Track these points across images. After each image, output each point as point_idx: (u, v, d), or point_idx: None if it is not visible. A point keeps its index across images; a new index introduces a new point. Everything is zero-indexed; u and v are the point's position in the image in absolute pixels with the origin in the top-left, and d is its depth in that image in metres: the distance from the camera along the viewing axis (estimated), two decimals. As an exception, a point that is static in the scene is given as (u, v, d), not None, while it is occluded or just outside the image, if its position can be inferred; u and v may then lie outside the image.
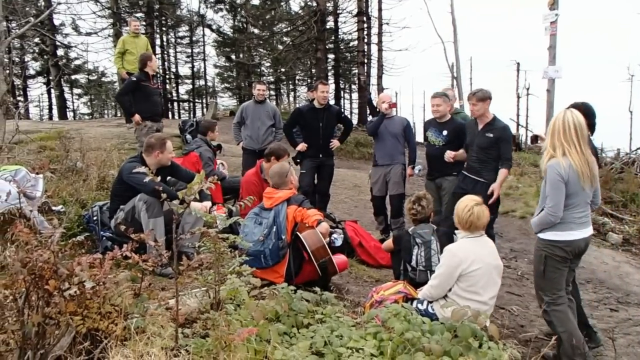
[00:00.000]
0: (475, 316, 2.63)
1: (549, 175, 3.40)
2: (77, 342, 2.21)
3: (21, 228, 2.22)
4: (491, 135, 4.97)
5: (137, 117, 6.87)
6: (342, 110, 12.18)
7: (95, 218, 4.64)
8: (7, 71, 6.98)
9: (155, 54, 9.62)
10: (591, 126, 3.87)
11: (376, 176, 6.35)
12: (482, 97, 5.00)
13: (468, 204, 3.44)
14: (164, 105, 19.73)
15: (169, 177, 4.78)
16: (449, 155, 5.43)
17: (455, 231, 3.61)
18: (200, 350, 2.28)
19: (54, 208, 4.74)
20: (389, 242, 4.54)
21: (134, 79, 6.91)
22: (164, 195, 2.57)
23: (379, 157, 6.34)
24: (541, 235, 3.57)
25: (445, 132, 5.62)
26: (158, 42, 26.84)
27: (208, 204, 4.54)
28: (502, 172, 4.98)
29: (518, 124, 25.66)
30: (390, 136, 6.19)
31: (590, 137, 3.88)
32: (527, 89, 28.35)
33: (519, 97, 28.83)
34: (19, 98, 22.79)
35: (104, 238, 4.47)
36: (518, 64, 29.09)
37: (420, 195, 4.30)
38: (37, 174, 4.53)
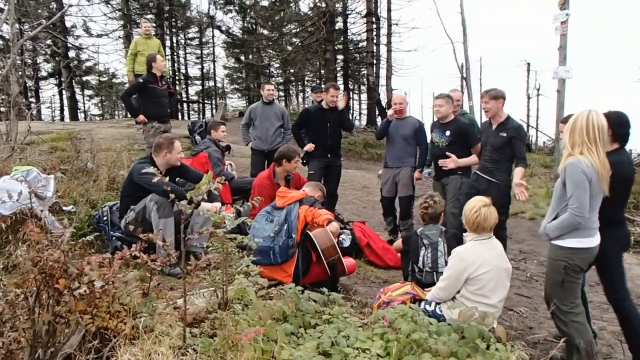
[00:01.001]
0: (482, 317, 2.62)
1: (571, 174, 3.20)
2: (87, 341, 2.23)
3: (32, 228, 2.25)
4: (505, 134, 4.93)
5: (141, 117, 6.92)
6: (349, 111, 12.15)
7: (105, 218, 4.69)
8: (20, 73, 7.07)
9: (165, 55, 9.64)
10: (625, 136, 3.65)
11: (386, 177, 6.35)
12: (495, 96, 4.96)
13: (475, 205, 3.41)
14: (174, 106, 19.83)
15: (177, 178, 4.81)
16: (442, 162, 5.44)
17: (464, 234, 3.60)
18: (208, 350, 2.30)
19: (64, 208, 4.79)
20: (398, 243, 4.57)
21: (141, 80, 6.94)
22: (172, 196, 2.59)
23: (389, 159, 6.34)
24: (560, 243, 3.33)
25: (448, 133, 5.60)
26: (168, 43, 27.08)
27: (218, 204, 4.56)
28: (519, 169, 4.88)
29: (528, 125, 25.53)
30: (401, 138, 6.17)
31: (624, 146, 3.69)
32: (538, 90, 28.23)
33: (529, 98, 28.70)
34: (31, 99, 23.02)
35: (114, 238, 4.51)
36: (528, 64, 29.00)
37: (433, 193, 4.39)
38: (49, 174, 4.59)
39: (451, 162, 5.40)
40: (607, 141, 3.44)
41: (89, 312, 2.19)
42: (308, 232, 4.18)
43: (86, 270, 2.17)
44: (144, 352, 2.16)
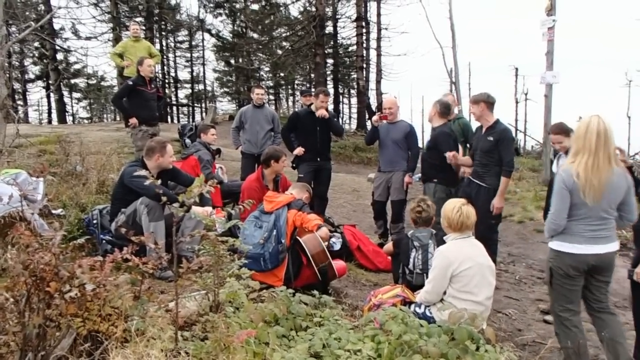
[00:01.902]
0: (472, 319, 2.65)
1: (555, 182, 3.28)
2: (78, 344, 2.23)
3: (22, 231, 2.24)
4: (492, 138, 4.96)
5: (133, 119, 6.89)
6: (339, 115, 12.14)
7: (95, 221, 4.66)
8: (7, 75, 7.00)
9: (158, 55, 9.59)
10: None
11: (379, 181, 6.37)
12: (475, 100, 5.04)
13: (455, 205, 3.48)
14: (163, 109, 19.74)
15: (169, 182, 4.80)
16: (449, 155, 5.28)
17: (444, 237, 3.62)
18: (200, 352, 2.30)
19: (54, 211, 4.76)
20: (389, 246, 4.60)
21: (130, 83, 6.92)
22: (164, 198, 2.59)
23: (382, 164, 6.37)
24: (549, 244, 3.43)
25: (429, 138, 5.65)
26: (157, 46, 26.91)
27: (209, 208, 4.55)
28: (503, 180, 4.92)
29: (517, 129, 25.72)
30: (392, 142, 6.18)
31: None
32: (526, 94, 28.41)
33: (517, 103, 28.90)
34: (18, 102, 22.82)
35: (104, 241, 4.49)
36: (516, 69, 29.16)
37: (424, 197, 4.45)
38: (38, 177, 4.55)
39: (452, 156, 5.25)
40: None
41: (80, 315, 2.19)
42: (298, 238, 4.18)
43: (77, 273, 2.17)
44: (135, 355, 2.16)
